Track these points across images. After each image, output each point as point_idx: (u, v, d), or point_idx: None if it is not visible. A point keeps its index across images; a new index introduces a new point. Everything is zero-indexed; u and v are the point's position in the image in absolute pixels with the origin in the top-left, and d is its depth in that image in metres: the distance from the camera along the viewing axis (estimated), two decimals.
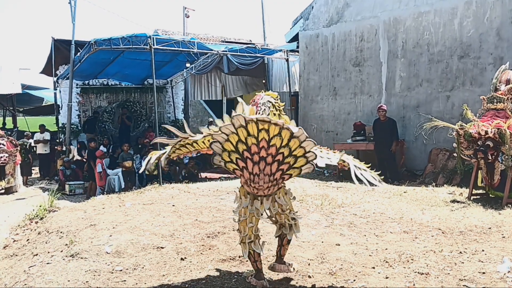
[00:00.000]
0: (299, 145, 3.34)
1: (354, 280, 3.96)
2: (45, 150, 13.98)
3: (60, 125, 14.27)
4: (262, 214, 3.81)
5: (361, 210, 6.45)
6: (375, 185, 3.81)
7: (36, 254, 5.22)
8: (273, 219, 3.96)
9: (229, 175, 12.01)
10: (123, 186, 11.08)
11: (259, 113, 4.05)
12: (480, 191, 7.25)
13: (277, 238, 4.09)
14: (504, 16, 8.78)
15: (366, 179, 3.68)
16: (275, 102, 4.31)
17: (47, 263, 4.76)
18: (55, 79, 14.05)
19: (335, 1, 11.75)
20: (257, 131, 3.33)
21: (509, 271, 3.98)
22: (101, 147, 13.13)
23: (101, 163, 11.28)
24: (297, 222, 3.99)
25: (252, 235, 3.77)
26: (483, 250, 4.53)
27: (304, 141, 3.32)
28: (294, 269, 4.13)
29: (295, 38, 13.62)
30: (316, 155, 3.45)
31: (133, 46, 10.50)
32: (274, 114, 4.22)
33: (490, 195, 7.01)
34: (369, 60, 11.08)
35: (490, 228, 5.27)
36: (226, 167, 3.53)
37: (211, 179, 11.42)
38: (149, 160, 3.73)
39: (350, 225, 5.69)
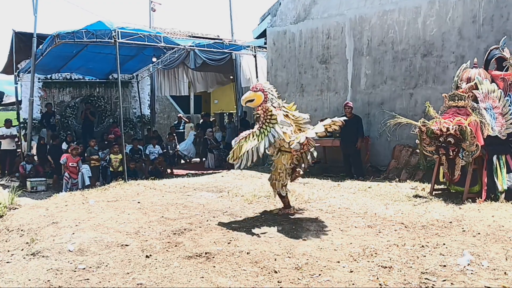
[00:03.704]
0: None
1: (320, 275, 4.01)
2: (13, 146, 13.55)
3: (21, 120, 13.83)
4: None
5: (327, 206, 6.52)
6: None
7: None
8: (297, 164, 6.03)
9: (196, 172, 11.96)
10: (88, 182, 10.86)
11: (268, 97, 5.72)
12: (442, 186, 7.45)
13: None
14: (465, 16, 9.02)
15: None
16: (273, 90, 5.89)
17: (7, 262, 4.62)
18: (16, 73, 13.59)
19: None
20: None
21: (468, 264, 4.11)
22: (63, 144, 12.82)
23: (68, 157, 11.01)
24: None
25: (287, 181, 5.93)
26: (444, 244, 4.66)
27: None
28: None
29: (263, 34, 13.63)
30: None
31: (97, 40, 10.26)
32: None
33: (451, 190, 7.21)
34: (336, 58, 11.19)
35: (451, 222, 5.42)
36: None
37: (178, 176, 11.32)
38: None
39: (316, 220, 5.74)
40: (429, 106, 7.23)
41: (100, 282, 4.01)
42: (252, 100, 5.74)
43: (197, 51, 13.31)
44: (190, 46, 12.45)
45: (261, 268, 4.18)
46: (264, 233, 5.23)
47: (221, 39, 15.65)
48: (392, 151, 9.90)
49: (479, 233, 4.93)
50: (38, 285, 3.96)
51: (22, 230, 5.73)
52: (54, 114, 14.25)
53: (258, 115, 5.79)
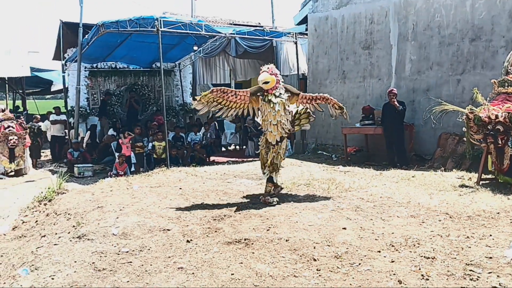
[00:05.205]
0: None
1: (360, 264, 3.95)
2: (62, 133, 14.03)
3: (68, 108, 14.30)
4: None
5: (368, 194, 6.42)
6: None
7: (44, 236, 5.27)
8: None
9: (237, 159, 12.04)
10: (133, 169, 11.14)
11: (279, 82, 6.28)
12: (489, 176, 7.18)
13: None
14: None
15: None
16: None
17: (55, 244, 4.80)
18: (63, 62, 14.03)
19: None
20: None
21: None
22: (110, 130, 13.17)
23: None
24: None
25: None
26: (490, 235, 4.50)
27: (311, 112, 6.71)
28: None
29: (304, 21, 13.46)
30: (314, 118, 6.89)
31: (141, 29, 10.42)
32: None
33: (499, 180, 6.94)
34: (379, 43, 10.93)
35: (498, 213, 5.23)
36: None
37: (218, 163, 11.43)
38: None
39: (356, 209, 5.67)
40: (477, 93, 6.97)
41: (142, 265, 4.11)
42: (267, 82, 6.15)
43: (238, 39, 13.31)
44: (231, 34, 12.46)
45: (300, 256, 4.16)
46: (303, 220, 5.21)
47: (261, 26, 15.58)
48: (437, 139, 9.62)
49: None
50: (83, 267, 4.10)
51: (69, 214, 5.94)
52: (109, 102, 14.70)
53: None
